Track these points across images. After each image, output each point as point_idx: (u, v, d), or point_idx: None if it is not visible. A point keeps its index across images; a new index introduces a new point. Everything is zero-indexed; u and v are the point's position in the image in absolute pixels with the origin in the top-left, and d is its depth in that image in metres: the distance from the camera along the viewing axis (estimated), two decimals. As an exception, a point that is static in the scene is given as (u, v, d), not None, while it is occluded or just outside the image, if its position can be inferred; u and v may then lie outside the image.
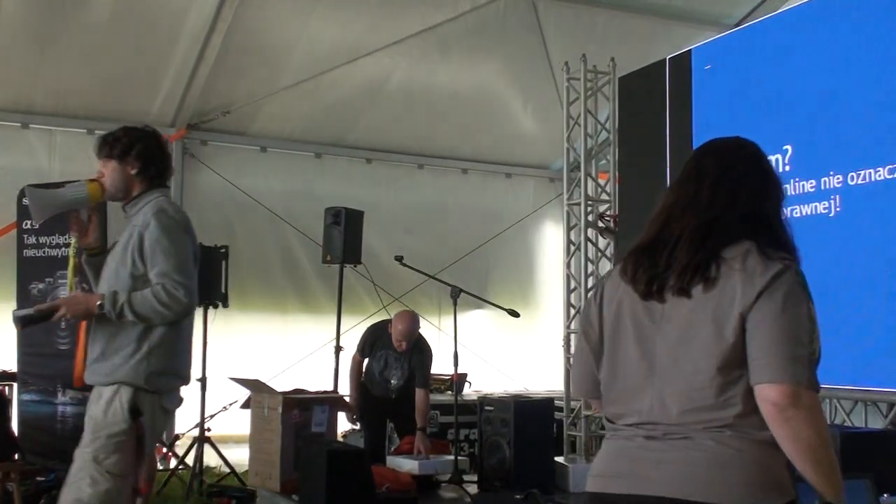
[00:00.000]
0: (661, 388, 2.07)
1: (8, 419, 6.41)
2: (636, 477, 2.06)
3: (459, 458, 5.71)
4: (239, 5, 7.69)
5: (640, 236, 2.19)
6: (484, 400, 5.84)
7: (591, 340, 2.25)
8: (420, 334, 6.66)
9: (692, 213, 2.11)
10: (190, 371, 3.90)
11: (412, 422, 6.33)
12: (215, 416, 7.24)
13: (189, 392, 6.66)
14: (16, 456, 6.18)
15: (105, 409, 3.56)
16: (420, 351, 6.57)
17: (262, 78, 8.48)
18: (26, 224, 7.68)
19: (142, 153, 3.74)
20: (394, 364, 6.58)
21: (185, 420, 7.18)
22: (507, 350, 9.67)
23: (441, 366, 7.97)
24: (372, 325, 6.87)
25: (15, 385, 7.35)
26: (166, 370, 3.63)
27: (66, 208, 3.86)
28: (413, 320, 6.61)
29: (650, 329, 2.11)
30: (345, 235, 7.52)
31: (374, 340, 6.68)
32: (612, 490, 2.11)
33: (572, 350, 7.06)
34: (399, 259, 6.96)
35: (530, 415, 5.47)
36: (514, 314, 6.15)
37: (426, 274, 6.53)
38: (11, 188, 7.70)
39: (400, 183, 9.78)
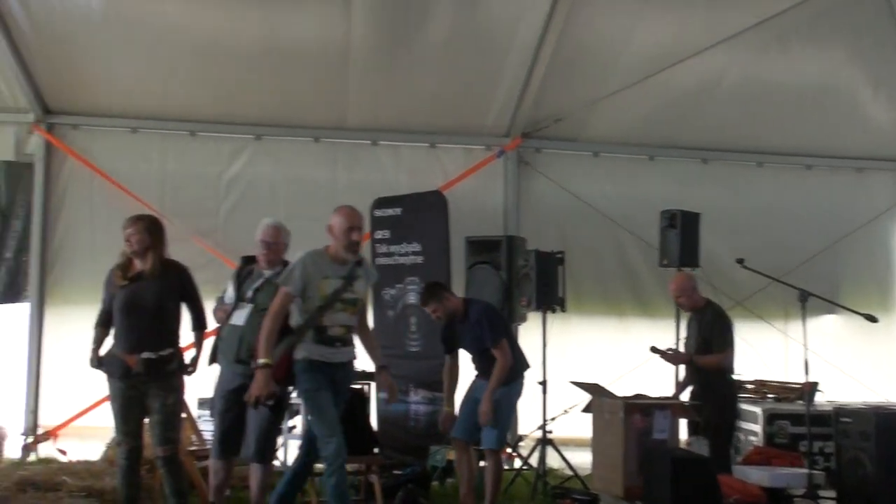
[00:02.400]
0: None
1: (367, 416, 6.88)
2: None
3: (813, 471, 5.36)
4: (569, 13, 7.77)
5: None
6: (839, 411, 5.47)
7: None
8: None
9: None
10: None
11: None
12: (556, 418, 7.33)
13: (531, 395, 6.89)
14: (375, 450, 6.61)
15: None
16: (711, 314, 6.77)
17: (593, 83, 8.50)
18: (378, 234, 8.25)
19: None
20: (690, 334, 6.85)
21: (527, 422, 7.33)
22: (864, 358, 8.96)
23: (790, 373, 7.57)
24: None
25: (373, 384, 7.90)
26: None
27: None
28: (681, 278, 6.88)
29: None
30: (681, 238, 7.38)
31: None
32: None
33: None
34: (740, 262, 6.71)
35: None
36: (872, 319, 5.73)
37: (770, 277, 6.23)
38: (364, 201, 8.31)
39: (738, 182, 9.38)
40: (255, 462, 5.79)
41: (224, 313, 5.76)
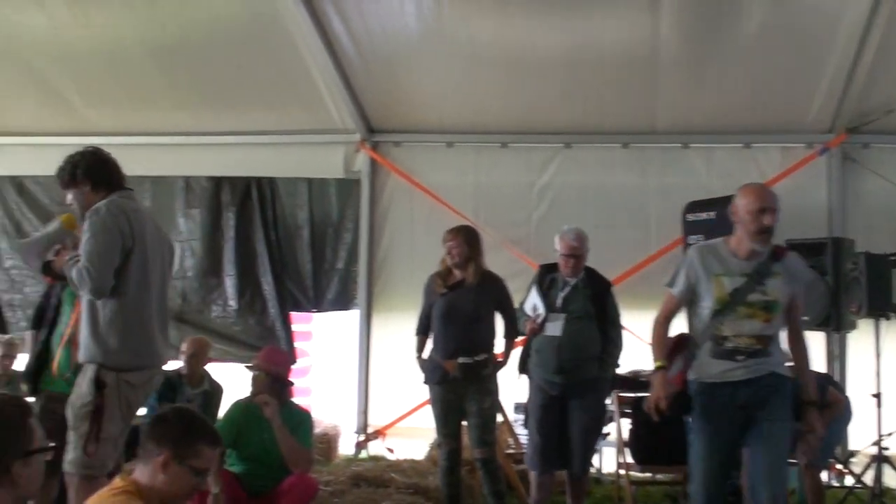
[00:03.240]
0: None
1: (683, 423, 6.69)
2: None
3: None
4: (897, -3, 7.15)
5: None
6: None
7: None
8: None
9: None
10: (153, 351, 4.42)
11: None
12: (893, 434, 6.75)
13: (864, 408, 6.40)
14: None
15: (80, 383, 4.26)
16: None
17: (930, 68, 7.77)
18: (692, 239, 8.02)
19: (86, 172, 4.39)
20: None
21: (860, 437, 6.83)
22: None
23: None
24: None
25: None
26: (121, 348, 4.23)
27: (49, 244, 4.53)
28: None
29: None
30: None
31: None
32: None
33: None
34: None
35: None
36: None
37: None
38: (675, 205, 8.12)
39: None
40: (574, 474, 5.83)
41: (535, 324, 5.82)
